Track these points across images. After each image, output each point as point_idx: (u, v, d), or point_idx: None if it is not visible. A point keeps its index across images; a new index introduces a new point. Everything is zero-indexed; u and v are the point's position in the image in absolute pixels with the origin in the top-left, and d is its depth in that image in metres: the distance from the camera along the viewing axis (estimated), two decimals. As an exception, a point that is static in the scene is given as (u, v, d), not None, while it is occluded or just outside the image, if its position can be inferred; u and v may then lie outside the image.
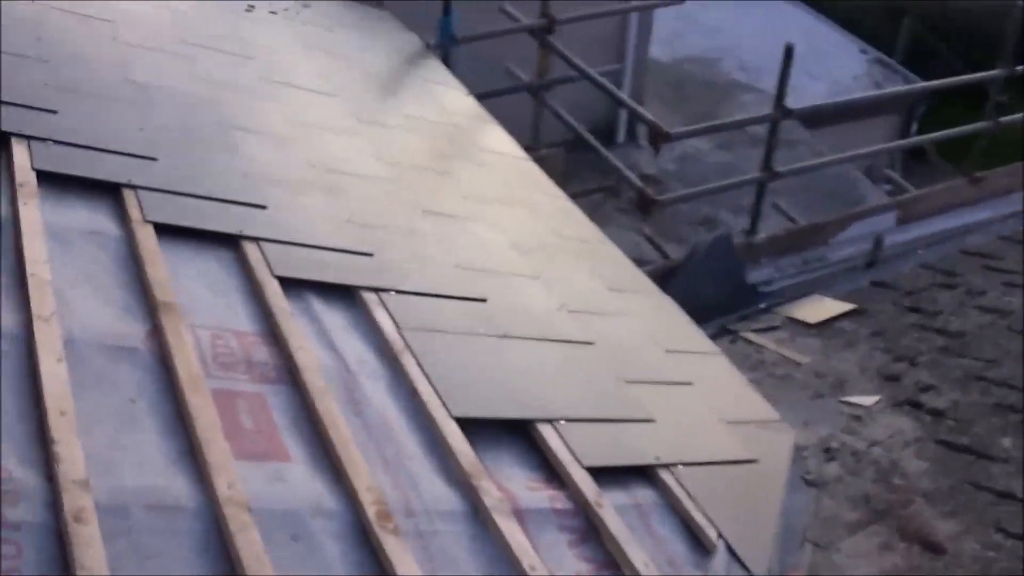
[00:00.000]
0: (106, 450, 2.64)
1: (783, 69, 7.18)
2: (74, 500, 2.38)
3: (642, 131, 11.37)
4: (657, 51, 12.99)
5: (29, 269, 3.08)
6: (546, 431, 3.47)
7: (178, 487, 2.64)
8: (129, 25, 5.17)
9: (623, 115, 11.67)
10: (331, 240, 4.13)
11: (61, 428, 2.56)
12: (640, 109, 8.52)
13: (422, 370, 3.51)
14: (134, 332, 3.15)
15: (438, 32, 7.83)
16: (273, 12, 6.61)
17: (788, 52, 7.15)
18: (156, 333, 3.17)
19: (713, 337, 5.35)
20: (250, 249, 3.82)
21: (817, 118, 11.20)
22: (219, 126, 4.71)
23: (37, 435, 2.56)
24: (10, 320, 2.89)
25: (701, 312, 5.42)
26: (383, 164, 5.15)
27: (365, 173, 4.95)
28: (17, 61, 4.19)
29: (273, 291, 3.64)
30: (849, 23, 16.42)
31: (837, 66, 14.67)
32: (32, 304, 2.95)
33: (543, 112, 8.94)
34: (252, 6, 6.49)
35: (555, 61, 8.62)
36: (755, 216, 7.82)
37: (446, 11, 7.91)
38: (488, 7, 8.76)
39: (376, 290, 3.90)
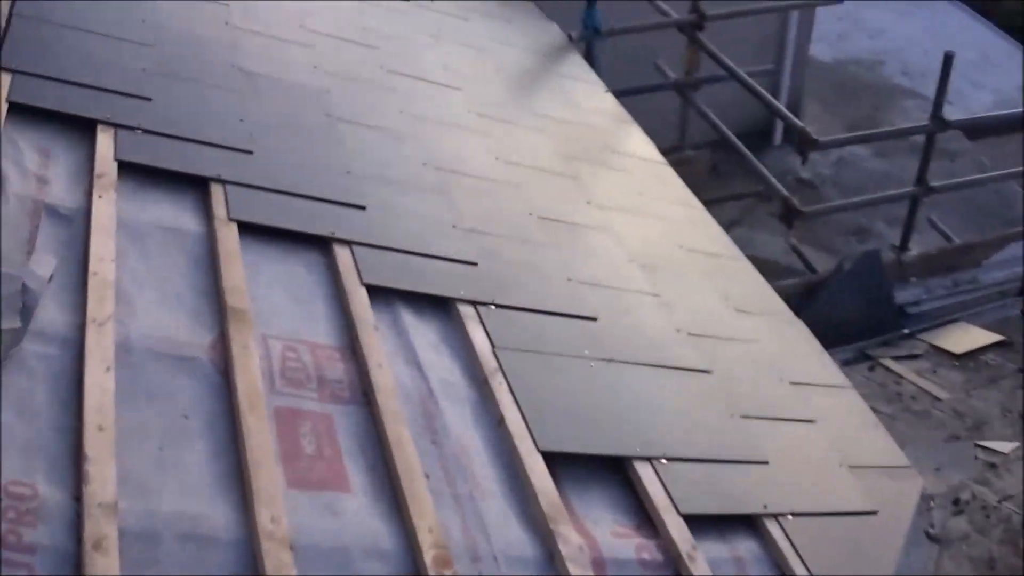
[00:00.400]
0: (145, 470, 2.59)
1: (941, 78, 7.09)
2: (97, 526, 2.33)
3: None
4: (819, 51, 13.15)
5: (92, 267, 3.09)
6: (644, 471, 3.28)
7: (217, 516, 2.55)
8: (244, 9, 5.24)
9: (781, 114, 11.58)
10: (432, 246, 4.01)
11: (96, 445, 2.53)
12: (786, 112, 8.35)
13: (512, 395, 3.35)
14: (198, 341, 3.11)
15: (582, 24, 7.80)
16: (405, -1, 6.61)
17: (947, 60, 7.02)
18: (222, 342, 3.14)
19: (850, 362, 5.23)
20: (341, 253, 3.76)
21: (980, 129, 10.84)
22: (327, 118, 4.69)
23: (72, 450, 2.55)
24: (62, 322, 2.90)
25: (840, 333, 5.30)
26: (503, 165, 5.02)
27: (481, 174, 4.83)
28: (114, 43, 4.28)
29: (359, 300, 3.56)
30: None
31: (1003, 76, 14.18)
32: (88, 306, 2.95)
33: (690, 112, 8.91)
34: (382, -8, 6.51)
35: (709, 59, 8.58)
36: (907, 231, 7.76)
37: (591, 2, 7.87)
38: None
39: (475, 303, 3.75)
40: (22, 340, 2.72)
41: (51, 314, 2.90)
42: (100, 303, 2.98)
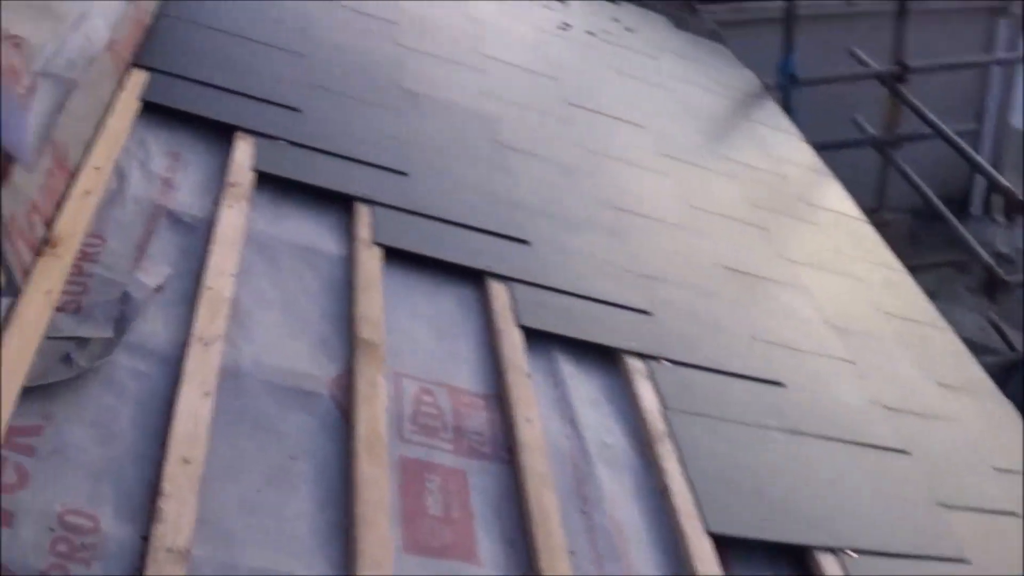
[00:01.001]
0: (232, 514, 2.26)
1: None
2: (161, 573, 2.00)
3: (998, 203, 10.91)
4: (1016, 119, 12.24)
5: (208, 281, 2.84)
6: (826, 562, 2.90)
7: (311, 577, 2.20)
8: (414, 28, 5.06)
9: (979, 183, 11.16)
10: (600, 290, 3.68)
11: (178, 479, 2.21)
12: (995, 173, 7.97)
13: (682, 465, 2.97)
14: (320, 373, 2.80)
15: (778, 71, 7.71)
16: (591, 33, 6.36)
17: None
18: (347, 377, 2.81)
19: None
20: (496, 290, 3.44)
21: None
22: (494, 146, 4.40)
23: (149, 483, 2.24)
24: (165, 338, 2.63)
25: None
26: (686, 208, 4.71)
27: (661, 216, 4.51)
28: (265, 50, 4.13)
29: (512, 343, 3.19)
30: None
31: None
32: (196, 322, 2.68)
33: (889, 171, 8.56)
34: (568, 24, 6.27)
35: (906, 116, 8.29)
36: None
37: (788, 48, 7.74)
38: (835, 48, 8.54)
39: (645, 356, 3.41)
40: (113, 352, 2.45)
41: (154, 328, 2.64)
42: (210, 320, 2.70)
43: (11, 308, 2.38)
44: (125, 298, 2.61)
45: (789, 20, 7.93)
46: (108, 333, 2.49)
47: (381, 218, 3.51)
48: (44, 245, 2.62)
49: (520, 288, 3.48)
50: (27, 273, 2.51)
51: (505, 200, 4.01)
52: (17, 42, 2.51)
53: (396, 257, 3.39)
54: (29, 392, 2.24)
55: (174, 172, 3.26)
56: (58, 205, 2.77)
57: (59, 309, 2.51)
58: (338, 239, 3.38)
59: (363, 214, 3.50)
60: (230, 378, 2.61)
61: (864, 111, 8.88)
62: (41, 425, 2.21)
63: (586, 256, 3.89)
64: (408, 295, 3.29)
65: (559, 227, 3.99)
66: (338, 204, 3.53)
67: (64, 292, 2.57)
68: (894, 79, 8.25)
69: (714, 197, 5.02)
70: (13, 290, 2.42)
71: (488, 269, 3.51)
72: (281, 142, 3.63)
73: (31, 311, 2.40)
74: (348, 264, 3.27)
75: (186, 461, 2.25)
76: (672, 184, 4.90)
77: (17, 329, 2.33)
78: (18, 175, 2.52)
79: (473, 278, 3.49)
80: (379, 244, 3.38)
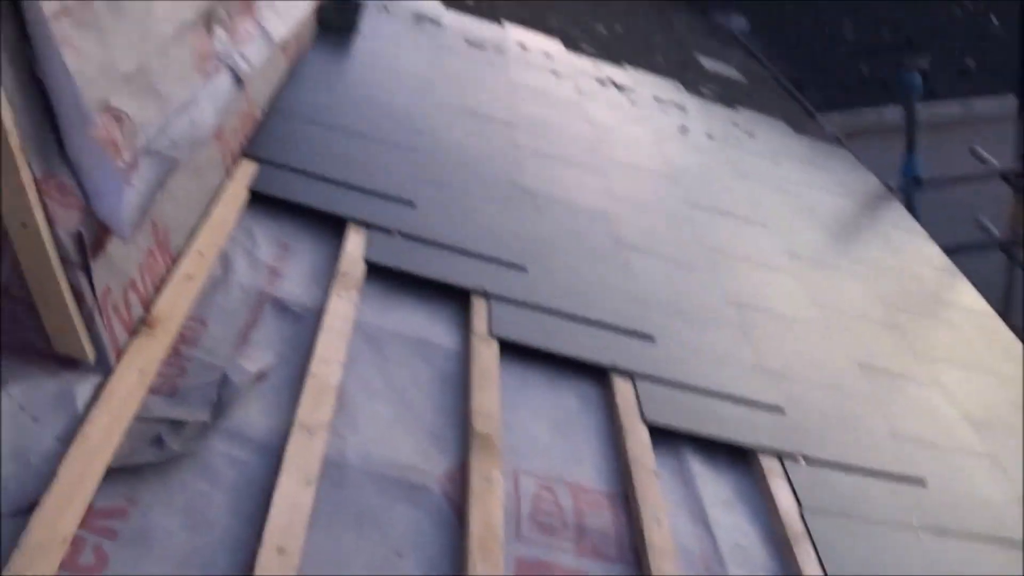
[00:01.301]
0: (332, 612, 2.06)
1: None
2: (249, 675, 1.80)
3: None
4: None
5: (313, 368, 2.70)
6: None
7: None
8: (532, 131, 5.00)
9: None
10: (729, 387, 3.50)
11: (272, 570, 2.03)
12: None
13: (822, 568, 2.79)
14: (431, 467, 2.61)
15: (900, 173, 7.58)
16: (710, 136, 6.25)
17: None
18: (461, 472, 2.62)
19: None
20: (621, 386, 3.25)
21: None
22: (614, 244, 4.25)
23: (241, 572, 2.06)
24: (265, 426, 2.49)
25: None
26: (814, 307, 4.51)
27: (790, 314, 4.33)
28: (379, 148, 4.09)
29: (639, 440, 2.98)
30: None
31: None
32: (300, 409, 2.53)
33: (1015, 272, 8.30)
34: (686, 128, 6.16)
35: None
36: None
37: (910, 149, 7.66)
38: (955, 152, 8.37)
39: (780, 455, 3.23)
40: (208, 437, 2.31)
41: (254, 415, 2.51)
42: (315, 408, 2.55)
43: (101, 385, 2.27)
44: (224, 382, 2.49)
45: (910, 121, 7.79)
46: (204, 417, 2.36)
47: (498, 311, 3.36)
48: (141, 325, 2.52)
49: (645, 384, 3.31)
50: (120, 352, 2.41)
51: (627, 296, 3.85)
52: (119, 116, 2.48)
53: (513, 351, 3.23)
54: (115, 473, 2.11)
55: (282, 261, 3.17)
56: (158, 287, 2.70)
57: (153, 391, 2.39)
58: (452, 332, 3.24)
59: (479, 307, 3.36)
60: (333, 468, 2.45)
61: (988, 212, 8.63)
62: (125, 508, 2.06)
63: (713, 352, 3.72)
64: (526, 390, 3.11)
65: (684, 323, 3.83)
66: (452, 297, 3.40)
67: (159, 374, 2.46)
68: (1018, 177, 8.04)
69: (843, 295, 4.82)
70: (104, 367, 2.32)
71: (612, 364, 3.33)
72: (394, 234, 3.53)
73: (122, 389, 2.29)
74: (462, 357, 3.12)
75: (281, 551, 2.08)
76: (798, 283, 4.72)
77: (105, 406, 2.21)
78: (115, 249, 2.45)
79: (595, 373, 3.32)
80: (496, 337, 3.21)
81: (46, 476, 2.00)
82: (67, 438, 2.11)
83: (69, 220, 2.27)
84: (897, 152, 7.90)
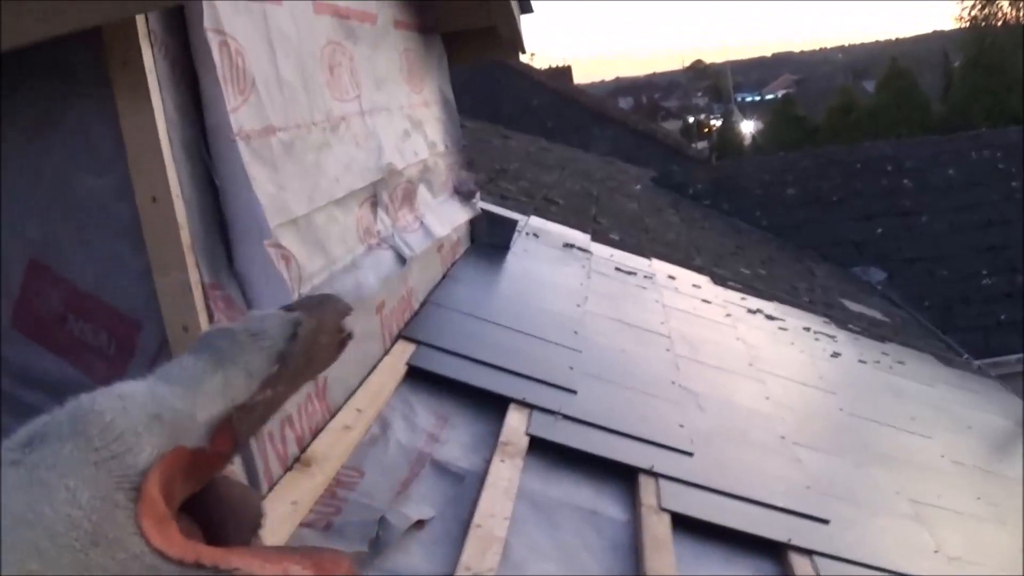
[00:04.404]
0: None
1: None
2: None
3: None
4: None
5: (477, 520, 2.39)
6: None
7: None
8: (686, 343, 4.74)
9: None
10: (902, 567, 3.14)
11: None
12: None
13: None
14: (607, 627, 2.22)
15: None
16: (862, 361, 5.93)
17: None
18: (640, 635, 2.21)
19: None
20: (799, 562, 2.85)
21: None
22: (777, 439, 3.91)
23: None
24: (426, 569, 2.17)
25: None
26: (984, 505, 4.23)
27: (961, 510, 4.05)
28: (537, 342, 3.89)
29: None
30: None
31: None
32: (464, 555, 2.21)
33: None
34: (838, 353, 5.85)
35: None
36: None
37: None
38: None
39: None
40: (364, 570, 2.00)
41: (416, 561, 2.21)
42: (480, 555, 2.24)
43: (253, 511, 2.00)
44: (383, 523, 2.19)
45: None
46: (363, 548, 2.05)
47: (667, 489, 3.05)
48: (295, 463, 2.28)
49: (824, 561, 2.97)
50: (272, 484, 2.15)
51: (797, 484, 3.52)
52: (287, 256, 2.35)
53: (685, 526, 2.89)
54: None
55: (440, 430, 2.93)
56: (314, 433, 2.46)
57: (306, 525, 2.11)
58: (620, 506, 2.91)
59: (647, 483, 3.04)
60: (501, 618, 2.08)
61: None
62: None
63: (889, 538, 3.41)
64: (700, 563, 2.73)
65: (858, 511, 3.55)
66: (618, 474, 3.08)
67: (314, 511, 2.18)
68: None
69: (1010, 498, 4.46)
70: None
71: (788, 541, 2.94)
72: (557, 415, 3.26)
73: (272, 515, 2.01)
74: (633, 528, 2.77)
75: None
76: (967, 484, 4.45)
77: (257, 529, 1.93)
78: (275, 379, 2.25)
79: (770, 551, 2.93)
80: (666, 510, 2.85)
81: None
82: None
83: (230, 334, 2.09)
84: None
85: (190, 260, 1.96)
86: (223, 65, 2.09)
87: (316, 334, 0.85)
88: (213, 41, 2.03)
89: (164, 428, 0.72)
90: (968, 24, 29.68)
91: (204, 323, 1.99)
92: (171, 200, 1.92)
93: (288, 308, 0.86)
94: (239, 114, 2.15)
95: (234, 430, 0.79)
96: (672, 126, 45.11)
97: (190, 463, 0.75)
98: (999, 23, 29.04)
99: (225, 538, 0.79)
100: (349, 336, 0.88)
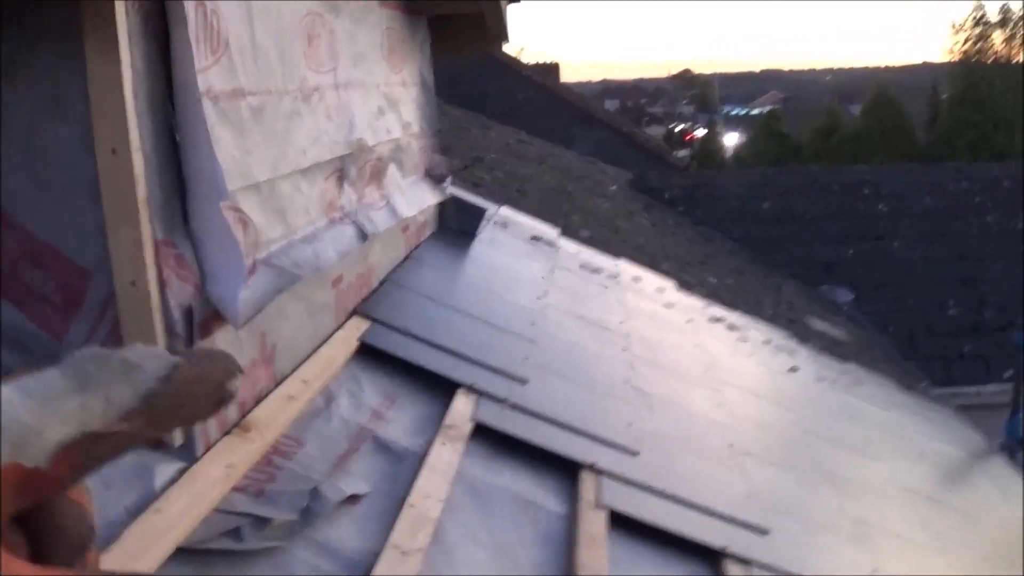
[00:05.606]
0: None
1: None
2: None
3: None
4: None
5: (412, 500, 2.41)
6: None
7: None
8: (644, 345, 4.77)
9: None
10: None
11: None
12: None
13: None
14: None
15: (1004, 430, 7.43)
16: (820, 379, 6.00)
17: None
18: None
19: None
20: (734, 570, 2.91)
21: None
22: (727, 449, 3.95)
23: None
24: (356, 546, 2.18)
25: None
26: (929, 533, 4.30)
27: (905, 535, 4.11)
28: (494, 331, 3.90)
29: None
30: None
31: None
32: (394, 533, 2.22)
33: None
34: (796, 368, 5.91)
35: None
36: None
37: (1014, 411, 7.56)
38: None
39: None
40: (290, 539, 2.01)
41: (345, 534, 2.22)
42: (411, 534, 2.25)
43: (183, 471, 2.01)
44: (315, 494, 2.20)
45: (1019, 381, 7.61)
46: (291, 516, 2.06)
47: (608, 487, 3.06)
48: (234, 427, 2.28)
49: (760, 573, 2.99)
50: (209, 446, 2.16)
51: (741, 493, 3.56)
52: (244, 220, 2.35)
53: (623, 525, 2.90)
54: (183, 554, 1.80)
55: (386, 409, 2.93)
56: (257, 399, 2.47)
57: (238, 489, 2.12)
58: (559, 499, 2.92)
59: (588, 479, 3.06)
60: (426, 598, 2.09)
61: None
62: (188, 590, 1.75)
63: (828, 555, 3.48)
64: (634, 563, 2.76)
65: (799, 525, 3.63)
66: (560, 468, 3.09)
67: (247, 476, 2.19)
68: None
69: (951, 526, 4.57)
70: (189, 454, 2.07)
71: (724, 549, 2.98)
72: (505, 403, 3.27)
73: (205, 477, 2.02)
74: (569, 522, 2.78)
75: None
76: (912, 510, 4.50)
77: (185, 489, 1.95)
78: (222, 343, 2.26)
79: (706, 557, 2.96)
80: (605, 508, 2.88)
81: (107, 541, 1.71)
82: (137, 512, 1.84)
83: (182, 293, 2.09)
84: (995, 426, 7.59)
85: (144, 215, 1.95)
86: (196, 23, 2.09)
87: (193, 384, 0.83)
88: (186, -3, 2.03)
89: (6, 440, 0.71)
90: (960, 57, 29.96)
91: (153, 279, 1.99)
92: (130, 153, 1.92)
93: (177, 352, 0.85)
94: (209, 74, 2.15)
95: (79, 458, 0.77)
96: (656, 132, 45.23)
97: (23, 481, 0.73)
98: (990, 60, 29.36)
99: (48, 557, 0.78)
100: (230, 396, 0.86)
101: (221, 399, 0.86)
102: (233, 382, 0.87)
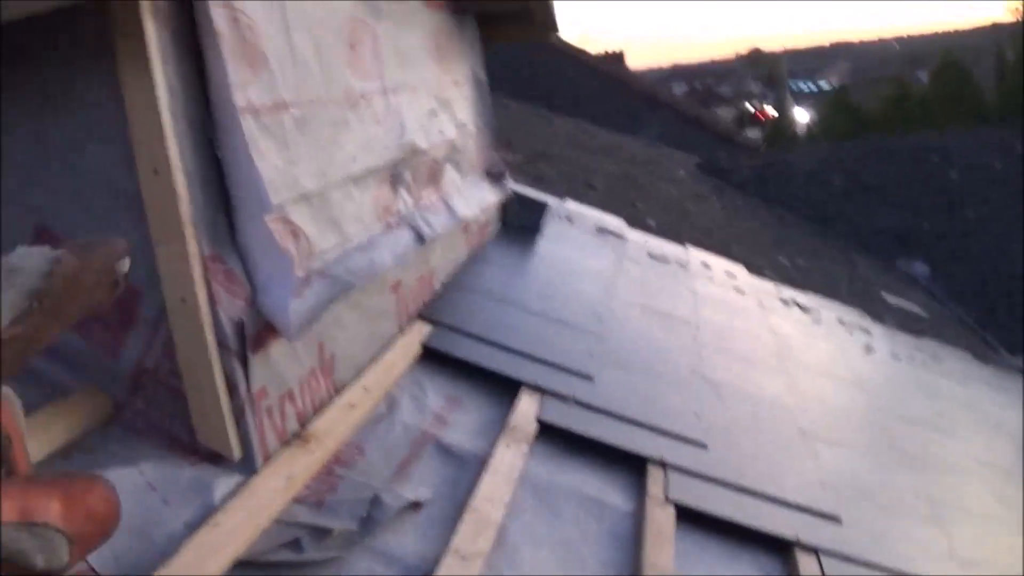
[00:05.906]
0: None
1: None
2: None
3: None
4: None
5: (474, 504, 2.39)
6: None
7: None
8: (714, 332, 4.69)
9: None
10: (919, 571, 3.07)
11: None
12: None
13: None
14: (598, 617, 2.20)
15: None
16: (896, 357, 5.83)
17: None
18: (631, 627, 2.20)
19: None
20: (804, 561, 2.80)
21: None
22: (797, 432, 3.85)
23: None
24: (418, 551, 2.17)
25: None
26: (1005, 509, 4.13)
27: (986, 513, 3.98)
28: (560, 327, 3.86)
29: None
30: None
31: None
32: (456, 537, 2.21)
33: None
34: (872, 348, 5.76)
35: None
36: None
37: None
38: None
39: None
40: (351, 550, 2.01)
41: (405, 540, 2.21)
42: (472, 538, 2.23)
43: (242, 484, 2.02)
44: (375, 502, 2.20)
45: None
46: (351, 526, 2.05)
47: (675, 480, 3.01)
48: (294, 438, 2.29)
49: (831, 561, 2.90)
50: (268, 457, 2.16)
51: (812, 480, 3.45)
52: (295, 231, 2.35)
53: (691, 520, 2.85)
54: (245, 566, 1.81)
55: (449, 412, 2.92)
56: (316, 408, 2.47)
57: (298, 500, 2.12)
58: (626, 495, 2.88)
59: (656, 474, 3.00)
60: (487, 603, 2.07)
61: None
62: (249, 603, 1.75)
63: (906, 539, 3.32)
64: (702, 558, 2.71)
65: (875, 511, 3.47)
66: (628, 464, 3.05)
67: (308, 486, 2.19)
68: None
69: None
70: (248, 467, 2.08)
71: (795, 539, 2.92)
72: (570, 401, 3.24)
73: (264, 490, 2.03)
74: (636, 519, 2.74)
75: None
76: (988, 487, 4.32)
77: (244, 502, 1.95)
78: (277, 354, 2.26)
79: (777, 548, 2.90)
80: (672, 503, 2.82)
81: (167, 555, 1.72)
82: (196, 527, 1.85)
83: (232, 307, 2.10)
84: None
85: (189, 232, 1.96)
86: (231, 39, 2.09)
87: (78, 273, 0.81)
88: (218, 14, 2.03)
89: None
90: (1021, 17, 28.98)
91: (202, 295, 2.00)
92: (171, 172, 1.93)
93: (59, 246, 0.83)
94: (248, 89, 2.15)
95: None
96: (727, 113, 44.63)
97: None
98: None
99: None
100: (122, 279, 0.84)
101: (114, 282, 0.85)
102: (121, 264, 0.85)
